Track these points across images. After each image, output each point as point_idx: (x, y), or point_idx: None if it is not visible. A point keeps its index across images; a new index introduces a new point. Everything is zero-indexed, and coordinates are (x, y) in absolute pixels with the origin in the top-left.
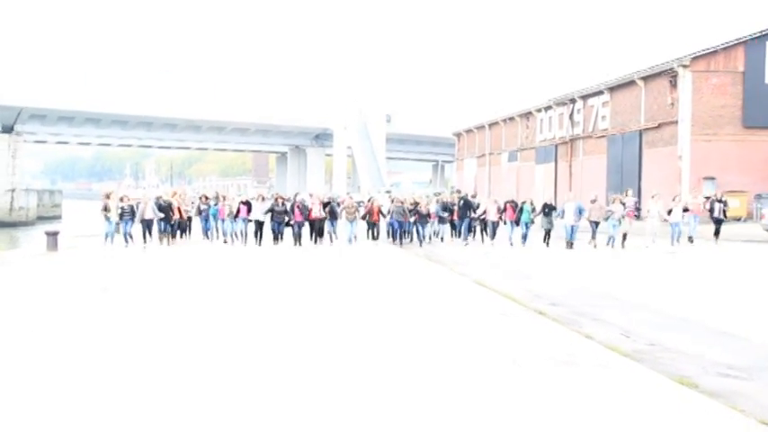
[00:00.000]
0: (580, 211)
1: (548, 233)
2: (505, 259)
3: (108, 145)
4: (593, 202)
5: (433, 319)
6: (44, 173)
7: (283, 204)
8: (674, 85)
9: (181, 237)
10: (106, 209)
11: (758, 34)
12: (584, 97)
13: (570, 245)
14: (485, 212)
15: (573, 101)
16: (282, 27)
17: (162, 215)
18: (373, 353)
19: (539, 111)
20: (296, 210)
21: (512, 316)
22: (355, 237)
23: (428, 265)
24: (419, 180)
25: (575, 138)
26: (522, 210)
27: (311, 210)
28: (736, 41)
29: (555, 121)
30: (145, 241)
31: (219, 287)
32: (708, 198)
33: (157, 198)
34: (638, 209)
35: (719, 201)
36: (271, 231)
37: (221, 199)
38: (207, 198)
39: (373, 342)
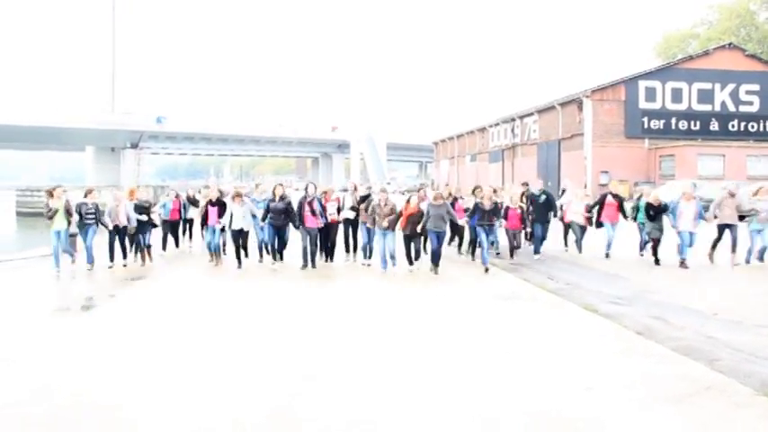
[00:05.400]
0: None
1: (655, 243)
2: None
3: (198, 154)
4: (732, 195)
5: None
6: (156, 174)
7: (283, 200)
8: (580, 108)
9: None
10: (49, 212)
11: (632, 76)
12: (521, 117)
13: (683, 263)
14: (563, 210)
15: (513, 119)
16: (316, 68)
17: (143, 218)
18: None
19: (491, 126)
20: (306, 209)
21: None
22: (392, 257)
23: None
24: (409, 174)
25: (515, 145)
26: (637, 209)
27: (326, 207)
28: (619, 80)
29: (501, 133)
30: (112, 260)
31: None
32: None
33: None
34: None
35: None
36: (264, 245)
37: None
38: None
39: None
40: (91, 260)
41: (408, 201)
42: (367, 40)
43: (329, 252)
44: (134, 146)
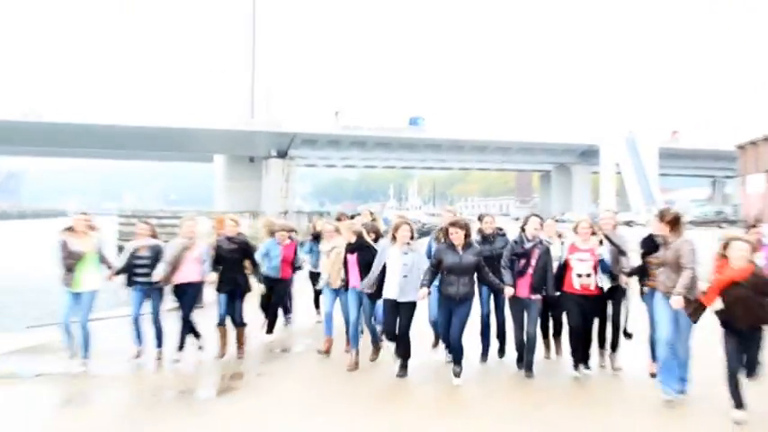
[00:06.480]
0: None
1: None
2: None
3: (373, 167)
4: None
5: None
6: (313, 195)
7: (489, 243)
8: None
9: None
10: (67, 259)
11: None
12: None
13: None
14: None
15: None
16: (543, 46)
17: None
18: None
19: None
20: (520, 264)
21: None
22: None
23: None
24: (695, 197)
25: None
26: None
27: (569, 261)
28: None
29: None
30: (182, 347)
31: None
32: None
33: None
34: None
35: None
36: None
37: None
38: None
39: None
40: (140, 342)
41: (725, 249)
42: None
43: (580, 354)
44: (281, 154)
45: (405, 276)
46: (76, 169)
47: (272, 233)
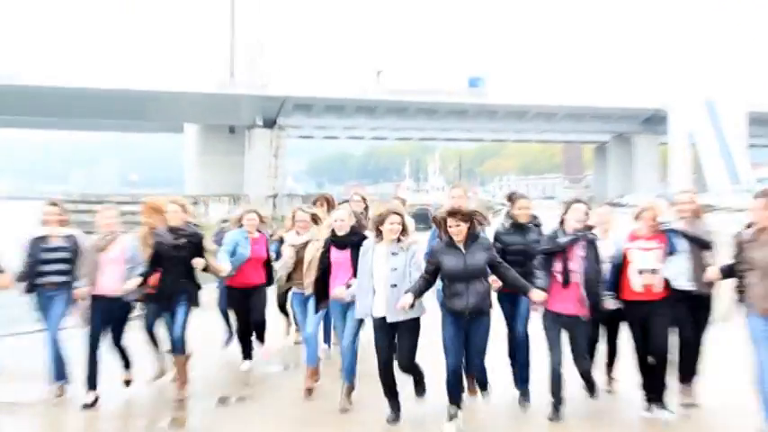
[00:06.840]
0: None
1: None
2: None
3: (383, 138)
4: None
5: None
6: (308, 173)
7: (521, 233)
8: None
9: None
10: None
11: None
12: None
13: None
14: None
15: None
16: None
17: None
18: None
19: None
20: (557, 264)
21: None
22: None
23: None
24: None
25: None
26: None
27: (627, 253)
28: None
29: None
30: (93, 385)
31: None
32: None
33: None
34: None
35: None
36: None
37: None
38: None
39: None
40: (61, 376)
41: None
42: None
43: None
44: (269, 123)
45: (393, 286)
46: (10, 141)
47: (238, 221)
